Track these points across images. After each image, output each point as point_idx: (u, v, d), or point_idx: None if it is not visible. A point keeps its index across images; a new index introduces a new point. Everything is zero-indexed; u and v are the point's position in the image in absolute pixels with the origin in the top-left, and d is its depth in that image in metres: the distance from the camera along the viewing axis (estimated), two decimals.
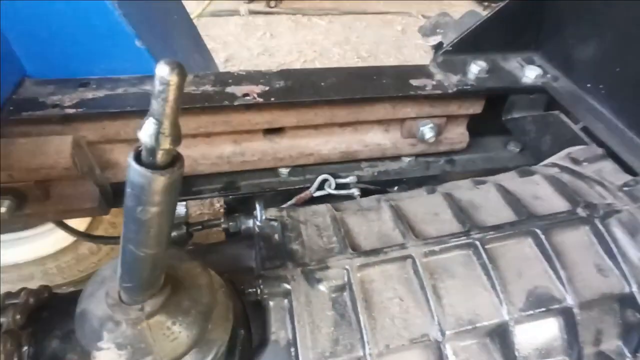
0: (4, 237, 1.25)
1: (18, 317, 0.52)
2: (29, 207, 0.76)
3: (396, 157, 1.04)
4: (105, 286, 0.35)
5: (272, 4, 3.68)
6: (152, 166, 0.25)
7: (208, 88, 0.78)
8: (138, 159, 0.25)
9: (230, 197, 0.96)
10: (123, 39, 0.75)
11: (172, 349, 0.34)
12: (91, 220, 1.28)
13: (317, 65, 3.11)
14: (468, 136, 1.03)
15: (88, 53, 0.76)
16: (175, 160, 0.26)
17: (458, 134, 1.03)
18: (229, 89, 0.78)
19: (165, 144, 0.24)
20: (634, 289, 0.53)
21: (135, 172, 0.25)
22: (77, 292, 0.63)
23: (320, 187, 0.97)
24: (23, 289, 0.57)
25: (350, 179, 0.98)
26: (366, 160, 1.02)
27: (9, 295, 0.56)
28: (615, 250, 0.55)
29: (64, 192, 0.78)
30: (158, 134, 0.24)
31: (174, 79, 0.22)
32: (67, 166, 0.70)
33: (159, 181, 0.25)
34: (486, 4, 4.17)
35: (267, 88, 0.80)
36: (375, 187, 1.01)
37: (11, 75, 0.71)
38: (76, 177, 0.75)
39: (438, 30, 1.28)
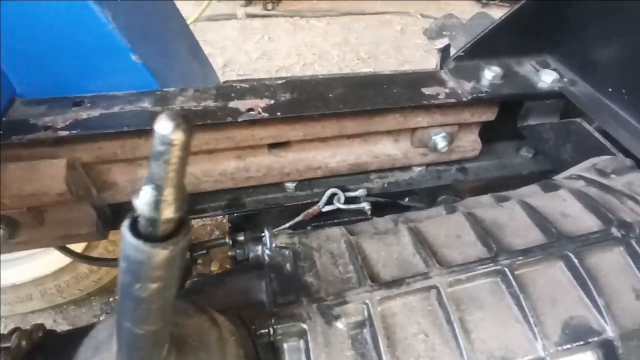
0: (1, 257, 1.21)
1: None
2: (23, 235, 0.72)
3: (406, 167, 1.00)
4: (99, 356, 0.31)
5: (269, 6, 3.64)
6: (151, 238, 0.20)
7: (210, 103, 0.74)
8: (134, 228, 0.21)
9: (235, 214, 0.91)
10: (118, 54, 0.71)
11: None
12: None
13: (317, 67, 3.07)
14: (480, 143, 0.99)
15: (81, 70, 0.72)
16: (179, 227, 0.21)
17: (470, 142, 0.99)
18: (232, 104, 0.74)
19: (168, 212, 0.20)
20: None
21: (130, 246, 0.20)
22: (73, 332, 0.59)
23: (329, 201, 0.92)
24: (16, 329, 0.53)
25: (359, 192, 0.93)
26: (375, 171, 0.98)
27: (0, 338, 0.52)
28: None
29: (59, 218, 0.74)
30: (159, 202, 0.20)
31: (178, 138, 0.18)
32: (62, 192, 0.66)
33: (161, 255, 0.20)
34: (484, 1, 4.13)
35: (272, 102, 0.75)
36: (386, 199, 0.97)
37: (0, 96, 0.67)
38: (72, 202, 0.71)
39: (444, 33, 1.24)
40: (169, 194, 0.20)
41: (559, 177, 0.71)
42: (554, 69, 0.89)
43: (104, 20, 0.67)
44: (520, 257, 0.52)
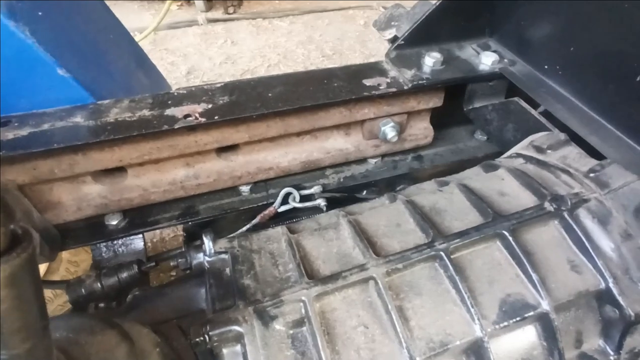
0: None
1: None
2: None
3: (362, 160, 1.00)
4: None
5: (231, 10, 3.60)
6: None
7: (145, 113, 0.72)
8: None
9: (189, 222, 0.89)
10: (42, 68, 0.68)
11: None
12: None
13: (282, 67, 3.05)
14: (432, 130, 1.00)
15: (5, 88, 0.69)
16: (18, 240, 0.20)
17: (422, 129, 0.99)
18: (168, 111, 0.72)
19: None
20: (610, 283, 0.50)
21: None
22: None
23: (285, 201, 0.91)
24: None
25: (314, 189, 0.93)
26: (331, 167, 0.98)
27: None
28: (587, 243, 0.52)
29: None
30: None
31: None
32: None
33: None
34: None
35: (209, 106, 0.74)
36: (342, 194, 0.97)
37: None
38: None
39: (392, 23, 1.24)
40: None
41: (502, 157, 0.72)
42: (495, 51, 0.90)
43: (21, 36, 0.64)
44: (456, 240, 0.52)
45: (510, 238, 0.52)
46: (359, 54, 3.27)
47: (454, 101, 0.95)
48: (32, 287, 0.21)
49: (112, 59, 0.90)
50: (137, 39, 2.99)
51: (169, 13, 3.07)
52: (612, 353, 0.51)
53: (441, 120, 1.02)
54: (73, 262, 1.24)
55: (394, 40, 1.22)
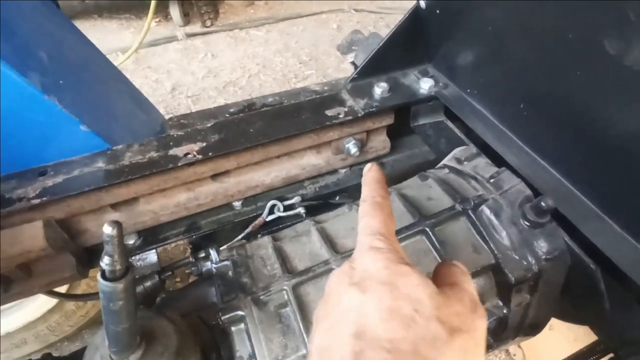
0: None
1: None
2: (16, 288, 0.87)
3: (333, 171, 1.20)
4: (99, 352, 0.49)
5: (208, 23, 3.74)
6: (112, 279, 0.39)
7: (153, 154, 0.91)
8: (104, 276, 0.39)
9: (194, 236, 1.09)
10: (69, 127, 0.86)
11: None
12: None
13: (262, 77, 3.22)
14: (389, 142, 1.20)
15: (40, 144, 0.87)
16: (127, 271, 0.40)
17: (380, 142, 1.20)
18: (171, 152, 0.91)
19: (119, 266, 0.38)
20: (500, 259, 0.71)
21: (103, 285, 0.39)
22: (75, 353, 0.76)
23: (271, 211, 1.11)
24: None
25: (295, 200, 1.13)
26: (307, 179, 1.18)
27: None
28: (484, 232, 0.73)
29: (44, 268, 0.89)
30: (113, 263, 0.38)
31: (114, 234, 0.37)
32: (43, 247, 0.82)
33: (119, 287, 0.39)
34: None
35: (204, 144, 0.93)
36: (319, 201, 1.17)
37: None
38: (52, 253, 0.87)
39: (353, 48, 1.44)
40: (117, 259, 0.38)
41: (434, 168, 0.93)
42: (432, 76, 1.10)
43: (51, 104, 0.82)
44: None
45: (430, 233, 0.73)
46: (334, 58, 3.45)
47: (406, 115, 1.16)
48: (131, 293, 0.41)
49: (117, 106, 1.08)
50: (120, 59, 3.13)
51: (148, 30, 3.20)
52: (504, 307, 0.72)
53: (397, 131, 1.23)
54: (92, 277, 1.42)
55: (353, 63, 1.42)
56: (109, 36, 3.60)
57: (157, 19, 3.85)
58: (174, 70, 3.24)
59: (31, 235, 0.82)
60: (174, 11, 3.62)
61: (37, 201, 0.81)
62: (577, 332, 1.66)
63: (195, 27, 3.72)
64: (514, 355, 1.81)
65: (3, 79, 0.77)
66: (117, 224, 0.37)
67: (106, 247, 0.38)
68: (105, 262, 0.39)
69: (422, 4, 0.99)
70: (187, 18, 3.79)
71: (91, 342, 0.52)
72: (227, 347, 0.66)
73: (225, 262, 0.75)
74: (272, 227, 1.13)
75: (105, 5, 3.85)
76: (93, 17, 3.87)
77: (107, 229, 0.36)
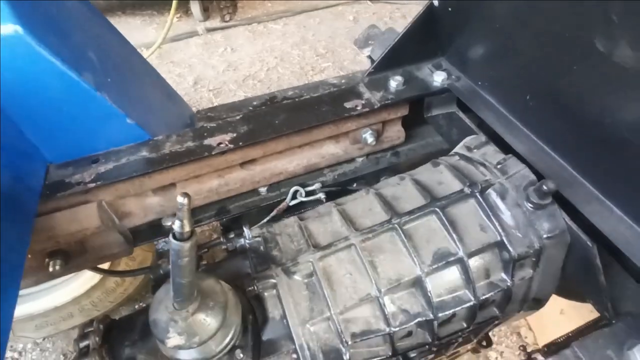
0: (43, 285, 1.48)
1: (97, 339, 0.76)
2: (73, 261, 1.00)
3: (351, 160, 1.29)
4: (164, 303, 0.60)
5: (227, 17, 3.83)
6: (181, 239, 0.49)
7: (190, 144, 1.02)
8: (174, 236, 0.49)
9: (224, 219, 1.20)
10: (117, 120, 0.97)
11: (208, 331, 0.59)
12: None
13: (280, 70, 3.30)
14: (404, 132, 1.28)
15: (93, 136, 0.99)
16: (192, 234, 0.50)
17: (395, 132, 1.27)
18: (206, 142, 1.02)
19: (186, 229, 0.48)
20: (503, 237, 0.79)
21: (174, 244, 0.49)
22: (131, 315, 0.88)
23: (294, 197, 1.21)
24: (93, 320, 0.81)
25: (316, 186, 1.22)
26: (327, 167, 1.27)
27: (84, 325, 0.80)
28: (490, 212, 0.81)
29: (97, 244, 1.01)
30: (182, 226, 0.48)
31: (185, 202, 0.46)
32: (97, 226, 0.94)
33: (186, 246, 0.49)
34: None
35: (235, 134, 1.03)
36: (337, 187, 1.26)
37: (41, 169, 0.93)
38: (104, 231, 0.99)
39: (370, 42, 1.51)
40: (186, 223, 0.48)
41: (446, 156, 1.00)
42: (445, 69, 1.17)
43: (103, 100, 0.93)
44: (406, 217, 0.81)
45: (441, 213, 0.81)
46: (350, 50, 3.50)
47: (420, 106, 1.23)
48: (194, 253, 0.51)
49: (154, 100, 1.19)
50: (145, 54, 3.26)
51: (171, 26, 3.31)
52: (508, 280, 0.80)
53: (412, 122, 1.30)
54: (131, 257, 1.56)
55: (370, 57, 1.49)
56: (133, 32, 3.74)
57: (178, 15, 3.97)
58: (195, 65, 3.36)
59: (87, 215, 0.93)
60: (195, 6, 3.73)
61: (92, 185, 0.93)
62: (587, 317, 1.72)
63: (215, 22, 3.81)
64: (525, 337, 1.88)
65: (63, 79, 0.88)
66: (187, 195, 0.46)
67: (178, 213, 0.48)
68: (176, 225, 0.48)
69: (435, 3, 1.05)
70: (207, 13, 3.89)
71: (155, 296, 0.63)
72: (261, 309, 0.76)
73: (257, 239, 0.85)
74: (295, 212, 1.22)
75: (128, 3, 3.99)
76: (117, 14, 4.02)
77: (180, 199, 0.46)
